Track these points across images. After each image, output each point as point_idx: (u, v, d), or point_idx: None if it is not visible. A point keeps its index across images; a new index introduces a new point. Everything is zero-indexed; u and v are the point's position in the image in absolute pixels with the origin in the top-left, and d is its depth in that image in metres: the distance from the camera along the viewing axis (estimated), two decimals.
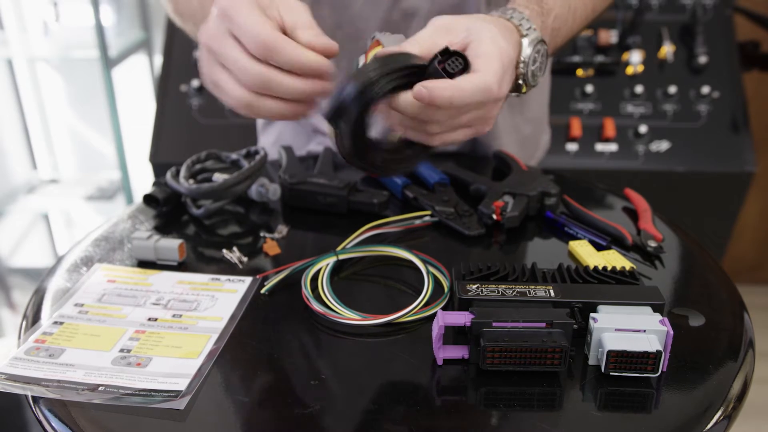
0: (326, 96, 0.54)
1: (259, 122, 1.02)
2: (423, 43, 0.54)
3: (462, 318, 0.49)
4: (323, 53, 0.53)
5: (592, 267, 0.57)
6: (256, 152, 0.77)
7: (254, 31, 0.50)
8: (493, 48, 0.54)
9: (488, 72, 0.53)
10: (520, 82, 0.61)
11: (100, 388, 0.47)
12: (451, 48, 0.54)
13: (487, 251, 0.68)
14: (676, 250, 0.68)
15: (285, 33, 0.54)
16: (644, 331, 0.49)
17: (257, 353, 0.52)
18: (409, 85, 0.53)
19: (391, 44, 0.56)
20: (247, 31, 0.51)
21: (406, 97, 0.53)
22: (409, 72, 0.53)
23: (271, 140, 0.99)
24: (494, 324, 0.48)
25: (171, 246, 0.63)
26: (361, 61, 0.58)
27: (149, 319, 0.56)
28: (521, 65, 0.60)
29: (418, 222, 0.71)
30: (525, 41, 0.60)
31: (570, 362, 0.49)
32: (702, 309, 0.57)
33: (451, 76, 0.53)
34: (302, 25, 0.54)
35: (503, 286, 0.53)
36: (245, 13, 0.51)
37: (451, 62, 0.53)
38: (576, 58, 1.56)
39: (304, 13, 0.55)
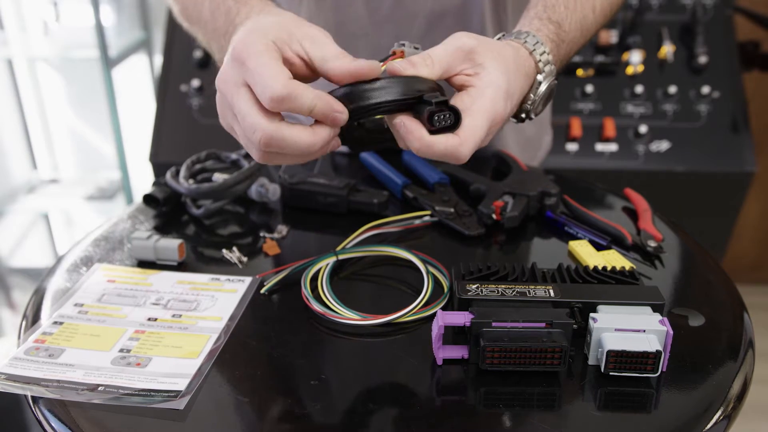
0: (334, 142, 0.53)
1: None
2: (438, 64, 0.53)
3: (462, 318, 0.49)
4: (368, 74, 0.50)
5: (592, 267, 0.57)
6: None
7: (267, 83, 0.47)
8: (488, 107, 0.52)
9: (466, 139, 0.51)
10: (522, 115, 0.61)
11: (99, 388, 0.47)
12: (456, 77, 0.54)
13: (487, 251, 0.68)
14: (676, 250, 0.68)
15: (313, 68, 0.52)
16: (644, 331, 0.49)
17: (257, 353, 0.52)
18: (405, 106, 0.52)
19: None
20: (259, 81, 0.48)
21: (398, 120, 0.52)
22: (410, 99, 0.51)
23: None
24: (494, 324, 0.48)
25: (171, 246, 0.63)
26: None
27: (149, 319, 0.56)
28: (529, 102, 0.60)
29: (418, 222, 0.71)
30: (540, 77, 0.60)
31: (570, 362, 0.49)
32: (702, 309, 0.57)
33: (436, 127, 0.51)
34: (332, 56, 0.51)
35: (503, 286, 0.53)
36: (260, 61, 0.48)
37: (441, 116, 0.51)
38: (576, 58, 1.55)
39: (329, 43, 0.52)
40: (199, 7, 0.68)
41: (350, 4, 0.80)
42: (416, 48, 0.55)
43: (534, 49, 0.60)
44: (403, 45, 0.55)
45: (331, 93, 0.51)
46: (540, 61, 0.60)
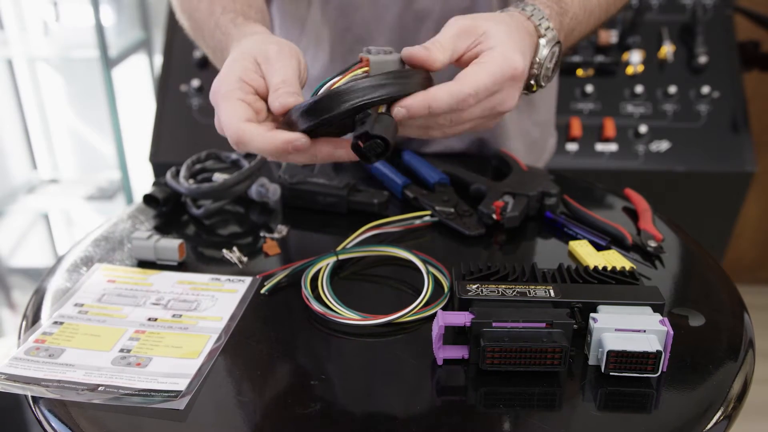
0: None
1: None
2: (447, 46, 0.54)
3: (462, 318, 0.49)
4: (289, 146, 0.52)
5: (592, 267, 0.57)
6: None
7: (226, 126, 0.53)
8: (497, 57, 0.53)
9: (468, 83, 0.52)
10: (532, 82, 0.61)
11: (100, 388, 0.47)
12: (465, 55, 0.54)
13: (487, 251, 0.68)
14: (676, 250, 0.68)
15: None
16: (644, 331, 0.49)
17: (257, 353, 0.52)
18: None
19: (380, 63, 0.53)
20: (222, 125, 0.53)
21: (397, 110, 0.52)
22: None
23: None
24: (494, 324, 0.48)
25: (171, 246, 0.63)
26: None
27: (149, 319, 0.56)
28: (536, 66, 0.60)
29: (418, 222, 0.71)
30: (542, 41, 0.60)
31: (570, 362, 0.49)
32: (702, 309, 0.57)
33: (367, 159, 0.50)
34: (273, 87, 0.54)
35: (503, 286, 0.53)
36: (221, 105, 0.53)
37: (371, 145, 0.50)
38: (576, 58, 1.56)
39: (281, 69, 0.55)
40: (201, 31, 0.71)
41: (357, 9, 0.80)
42: (387, 52, 0.54)
43: (532, 15, 0.60)
44: (370, 51, 0.54)
45: (296, 106, 0.52)
46: (540, 25, 0.60)
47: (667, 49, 1.56)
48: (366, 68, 0.52)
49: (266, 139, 0.51)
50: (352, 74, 0.52)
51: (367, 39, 0.82)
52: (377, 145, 0.49)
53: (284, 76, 0.54)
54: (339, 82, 0.52)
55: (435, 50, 0.53)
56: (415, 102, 0.51)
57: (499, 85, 0.53)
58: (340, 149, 0.54)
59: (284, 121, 0.53)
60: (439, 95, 0.51)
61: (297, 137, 0.51)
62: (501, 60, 0.53)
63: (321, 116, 0.50)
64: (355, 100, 0.49)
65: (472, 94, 0.52)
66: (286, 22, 0.87)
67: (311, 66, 0.88)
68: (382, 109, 0.51)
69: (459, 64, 0.56)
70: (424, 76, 0.53)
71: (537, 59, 0.60)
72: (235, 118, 0.52)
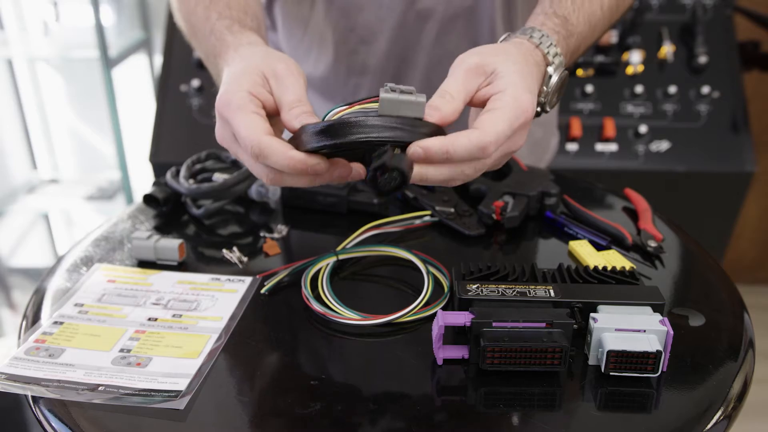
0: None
1: None
2: (458, 95, 0.52)
3: (462, 318, 0.49)
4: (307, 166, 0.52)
5: (592, 267, 0.57)
6: None
7: (246, 139, 0.52)
8: (510, 103, 0.52)
9: (489, 132, 0.50)
10: (538, 109, 0.60)
11: (100, 388, 0.47)
12: (475, 96, 0.53)
13: (487, 251, 0.68)
14: (676, 250, 0.68)
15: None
16: (644, 331, 0.49)
17: (257, 353, 0.52)
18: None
19: (392, 101, 0.50)
20: (241, 138, 0.52)
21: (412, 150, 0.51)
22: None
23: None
24: (494, 324, 0.48)
25: (171, 246, 0.63)
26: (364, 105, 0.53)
27: (149, 319, 0.56)
28: (543, 94, 0.59)
29: (418, 222, 0.71)
30: (551, 69, 0.59)
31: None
32: (702, 309, 0.57)
33: (382, 191, 0.49)
34: (287, 105, 0.53)
35: (503, 286, 0.53)
36: (238, 118, 0.53)
37: (387, 178, 0.48)
38: None
39: (292, 87, 0.54)
40: (196, 35, 0.71)
41: (360, 9, 0.80)
42: (408, 92, 0.51)
43: (540, 42, 0.59)
44: (392, 89, 0.51)
45: (309, 126, 0.51)
46: (548, 53, 0.59)
47: (667, 49, 1.56)
48: (377, 103, 0.51)
49: (287, 156, 0.50)
50: (362, 106, 0.52)
51: (371, 39, 0.82)
52: (393, 178, 0.49)
53: (298, 95, 0.54)
54: (351, 109, 0.52)
55: (446, 108, 0.51)
56: (434, 145, 0.49)
57: (515, 130, 0.52)
58: (348, 173, 0.53)
59: (290, 138, 0.53)
60: (459, 141, 0.50)
61: (317, 161, 0.50)
62: (514, 105, 0.52)
63: (333, 140, 0.49)
64: (366, 134, 0.49)
65: (493, 142, 0.50)
66: (289, 22, 0.87)
67: (314, 67, 0.88)
68: (398, 150, 0.50)
69: (471, 104, 0.55)
70: (436, 128, 0.51)
71: (545, 89, 0.59)
72: (257, 131, 0.51)
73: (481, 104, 0.54)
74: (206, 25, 0.67)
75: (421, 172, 0.50)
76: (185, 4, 0.73)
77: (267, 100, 0.55)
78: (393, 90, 0.50)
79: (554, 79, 0.59)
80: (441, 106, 0.51)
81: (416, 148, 0.49)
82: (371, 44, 0.82)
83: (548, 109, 0.61)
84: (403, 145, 0.50)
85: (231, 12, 0.67)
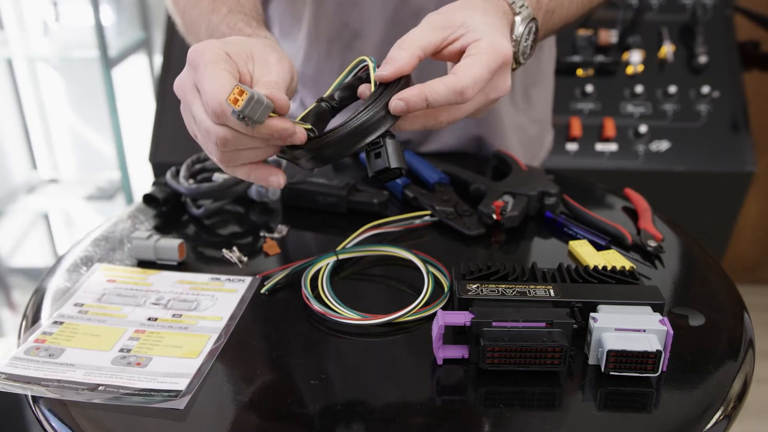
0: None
1: None
2: (414, 44, 0.54)
3: (462, 318, 0.49)
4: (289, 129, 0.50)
5: (592, 267, 0.57)
6: None
7: (211, 94, 0.48)
8: (486, 48, 0.54)
9: (465, 77, 0.52)
10: (513, 65, 0.61)
11: (100, 388, 0.47)
12: (446, 49, 0.55)
13: (487, 251, 0.68)
14: (676, 250, 0.68)
15: None
16: (644, 330, 0.49)
17: (257, 353, 0.52)
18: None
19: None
20: (205, 91, 0.49)
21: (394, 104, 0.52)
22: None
23: None
24: (494, 324, 0.48)
25: (171, 246, 0.63)
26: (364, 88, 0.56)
27: (149, 319, 0.56)
28: (513, 44, 0.60)
29: (418, 222, 0.71)
30: (518, 19, 0.60)
31: (570, 362, 0.49)
32: (702, 309, 0.57)
33: (382, 182, 0.52)
34: (263, 83, 0.51)
35: (503, 286, 0.53)
36: (208, 70, 0.49)
37: (388, 176, 0.53)
38: (576, 58, 1.56)
39: (275, 73, 0.53)
40: (196, 28, 0.70)
41: (354, 5, 0.81)
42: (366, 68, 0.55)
43: None
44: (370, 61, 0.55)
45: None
46: (513, 3, 0.61)
47: (667, 49, 1.56)
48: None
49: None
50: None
51: (364, 34, 0.82)
52: (394, 174, 0.53)
53: (278, 79, 0.53)
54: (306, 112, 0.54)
55: (400, 57, 0.53)
56: (413, 95, 0.51)
57: (494, 72, 0.54)
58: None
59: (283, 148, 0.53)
60: (436, 87, 0.51)
61: (285, 126, 0.49)
62: (491, 49, 0.54)
63: (336, 156, 0.53)
64: (362, 141, 0.52)
65: (470, 86, 0.52)
66: (286, 18, 0.88)
67: (307, 64, 0.88)
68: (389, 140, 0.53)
69: (438, 57, 0.57)
70: (405, 82, 0.54)
71: (513, 37, 0.60)
72: (224, 87, 0.48)
73: (457, 57, 0.56)
74: (213, 17, 0.67)
75: (398, 124, 0.53)
76: (179, 3, 0.73)
77: (243, 73, 0.52)
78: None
79: (521, 28, 0.60)
80: (396, 56, 0.53)
81: (396, 101, 0.51)
82: (365, 39, 0.82)
83: (522, 60, 0.62)
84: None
85: (244, 8, 0.67)
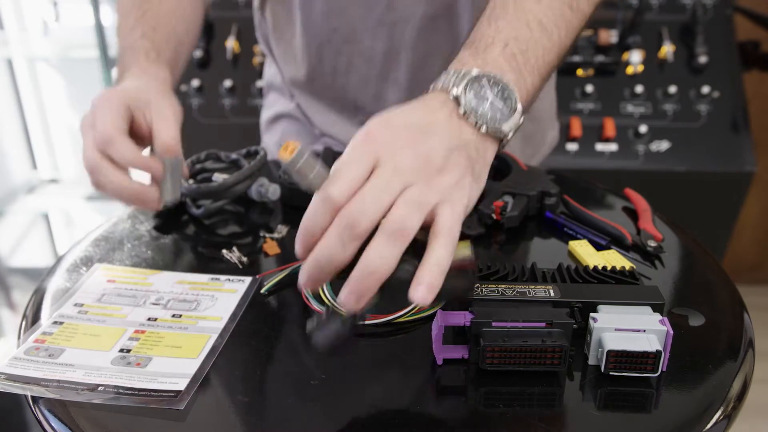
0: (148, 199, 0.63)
1: (263, 121, 1.03)
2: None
3: (461, 318, 0.49)
4: (148, 165, 0.63)
5: (592, 267, 0.57)
6: (256, 152, 0.77)
7: (98, 126, 0.60)
8: (353, 140, 0.45)
9: (329, 181, 0.45)
10: (483, 131, 0.49)
11: (99, 388, 0.47)
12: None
13: (487, 251, 0.68)
14: (676, 250, 0.68)
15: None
16: (644, 330, 0.49)
17: (257, 353, 0.52)
18: None
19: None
20: (96, 126, 0.61)
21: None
22: None
23: (274, 139, 0.99)
24: (494, 324, 0.48)
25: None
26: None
27: (149, 319, 0.56)
28: (469, 115, 0.49)
29: None
30: (455, 90, 0.48)
31: (570, 362, 0.49)
32: (702, 309, 0.57)
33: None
34: (162, 142, 0.63)
35: (503, 286, 0.53)
36: (102, 108, 0.62)
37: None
38: (576, 58, 1.56)
39: (168, 126, 0.64)
40: (121, 35, 0.76)
41: (343, 10, 0.81)
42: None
43: (433, 87, 0.50)
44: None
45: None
46: (435, 87, 0.50)
47: (667, 49, 1.56)
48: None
49: (132, 150, 0.61)
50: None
51: (354, 39, 0.82)
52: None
53: (173, 135, 0.63)
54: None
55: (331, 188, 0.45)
56: (298, 241, 0.44)
57: (363, 158, 0.44)
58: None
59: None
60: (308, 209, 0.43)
61: (155, 165, 0.63)
62: (354, 139, 0.45)
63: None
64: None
65: (332, 181, 0.44)
66: (280, 22, 0.88)
67: (302, 67, 0.88)
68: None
69: None
70: None
71: (462, 110, 0.48)
72: (113, 122, 0.60)
73: None
74: (131, 36, 0.73)
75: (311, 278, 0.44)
76: (121, 4, 0.78)
77: (143, 127, 0.64)
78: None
79: (469, 95, 0.48)
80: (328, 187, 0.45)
81: (296, 249, 0.44)
82: (355, 44, 0.83)
83: (494, 125, 0.50)
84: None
85: (155, 36, 0.73)
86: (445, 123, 0.47)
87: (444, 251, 0.42)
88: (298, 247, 0.44)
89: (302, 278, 0.44)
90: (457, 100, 0.48)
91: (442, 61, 0.81)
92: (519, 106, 0.50)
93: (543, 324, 0.48)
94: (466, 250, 0.45)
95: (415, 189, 0.44)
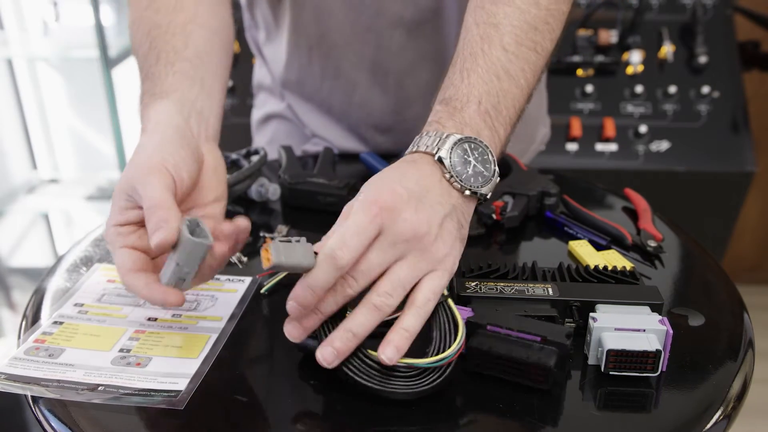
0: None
1: (254, 121, 1.02)
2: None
3: (462, 314, 0.49)
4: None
5: (592, 267, 0.57)
6: (256, 152, 0.77)
7: (109, 221, 0.53)
8: (356, 205, 0.49)
9: (328, 239, 0.47)
10: (468, 193, 0.52)
11: (99, 388, 0.47)
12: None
13: (487, 251, 0.68)
14: (676, 250, 0.68)
15: None
16: (644, 330, 0.49)
17: (257, 353, 0.52)
18: None
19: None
20: (110, 221, 0.53)
21: None
22: None
23: (265, 140, 0.99)
24: (488, 327, 0.48)
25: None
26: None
27: (149, 319, 0.56)
28: (455, 179, 0.51)
29: None
30: (442, 152, 0.51)
31: (569, 361, 0.49)
32: (702, 309, 0.57)
33: None
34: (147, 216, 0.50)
35: (502, 284, 0.53)
36: (113, 207, 0.54)
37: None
38: (576, 58, 1.56)
39: (156, 197, 0.50)
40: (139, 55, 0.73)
41: (331, 15, 0.81)
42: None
43: (416, 148, 0.53)
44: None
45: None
46: (417, 150, 0.53)
47: (667, 49, 1.56)
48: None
49: (148, 285, 0.49)
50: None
51: (342, 43, 0.82)
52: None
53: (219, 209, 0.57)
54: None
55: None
56: (297, 288, 0.47)
57: (374, 221, 0.47)
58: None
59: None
60: (312, 272, 0.46)
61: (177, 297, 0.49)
62: (359, 204, 0.48)
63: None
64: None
65: (338, 246, 0.46)
66: (270, 24, 0.89)
67: (291, 69, 0.88)
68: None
69: None
70: None
71: (447, 174, 0.51)
72: (113, 214, 0.52)
73: None
74: (148, 59, 0.70)
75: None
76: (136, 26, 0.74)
77: (180, 187, 0.53)
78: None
79: (454, 158, 0.51)
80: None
81: (289, 303, 0.47)
82: (343, 48, 0.82)
83: (473, 184, 0.52)
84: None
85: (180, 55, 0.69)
86: (437, 188, 0.51)
87: (415, 321, 0.47)
88: (302, 302, 0.47)
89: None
90: (441, 162, 0.52)
91: (429, 67, 0.81)
92: (496, 168, 0.53)
93: (538, 338, 0.47)
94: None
95: (405, 264, 0.48)
